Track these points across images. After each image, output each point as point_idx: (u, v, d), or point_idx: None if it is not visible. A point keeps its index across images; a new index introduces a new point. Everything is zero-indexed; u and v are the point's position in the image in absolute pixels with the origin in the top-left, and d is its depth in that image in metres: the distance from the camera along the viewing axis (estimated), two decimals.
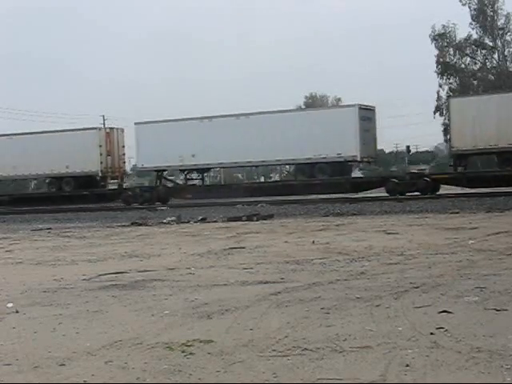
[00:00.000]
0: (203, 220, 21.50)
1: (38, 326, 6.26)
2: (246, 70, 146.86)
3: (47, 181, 37.31)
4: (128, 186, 36.94)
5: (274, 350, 4.97)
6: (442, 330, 5.32)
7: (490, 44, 51.07)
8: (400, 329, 5.43)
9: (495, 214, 18.89)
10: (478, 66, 51.72)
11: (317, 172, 30.35)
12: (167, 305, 6.98)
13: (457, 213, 19.67)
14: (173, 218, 22.01)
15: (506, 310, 5.99)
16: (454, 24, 50.58)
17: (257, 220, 20.49)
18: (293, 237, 14.23)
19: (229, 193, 31.73)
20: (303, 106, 69.98)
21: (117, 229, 19.98)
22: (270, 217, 21.59)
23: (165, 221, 21.69)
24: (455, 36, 51.14)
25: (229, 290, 7.78)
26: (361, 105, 30.79)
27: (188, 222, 21.35)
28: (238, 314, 6.30)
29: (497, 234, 12.84)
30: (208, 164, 33.08)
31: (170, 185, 34.84)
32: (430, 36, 51.11)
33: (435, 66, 51.17)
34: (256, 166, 36.14)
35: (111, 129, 35.65)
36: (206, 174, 39.35)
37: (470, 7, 50.98)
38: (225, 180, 59.60)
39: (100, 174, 34.38)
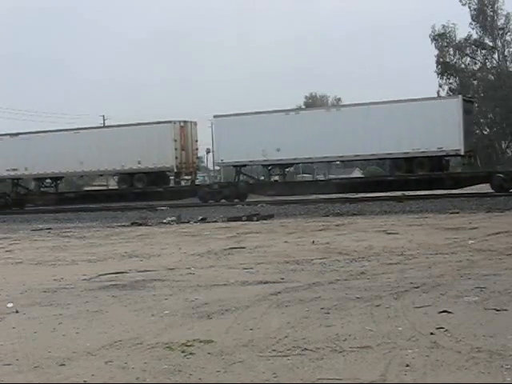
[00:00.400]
0: (203, 220, 21.50)
1: (38, 326, 6.26)
2: (246, 70, 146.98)
3: (117, 177, 35.67)
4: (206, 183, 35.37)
5: (274, 350, 4.97)
6: (442, 330, 5.32)
7: (490, 44, 51.03)
8: (400, 329, 5.43)
9: (495, 213, 18.88)
10: (477, 66, 51.69)
11: (416, 167, 28.43)
12: (167, 305, 6.98)
13: (457, 213, 19.66)
14: (173, 218, 22.01)
15: (506, 310, 5.99)
16: (453, 24, 50.60)
17: (257, 220, 20.49)
18: (293, 237, 14.23)
19: (317, 189, 30.26)
20: (303, 106, 69.92)
21: (117, 229, 19.98)
22: (270, 217, 21.59)
23: (165, 221, 21.69)
24: (455, 36, 51.15)
25: (229, 290, 7.78)
26: (464, 96, 29.53)
27: (188, 222, 21.34)
28: (237, 314, 6.30)
29: (497, 234, 12.84)
30: (294, 159, 31.20)
31: (251, 181, 32.91)
32: (429, 36, 51.13)
33: (435, 66, 51.20)
34: (350, 161, 34.59)
35: (185, 122, 33.51)
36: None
37: (469, 7, 50.98)
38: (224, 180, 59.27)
39: (175, 170, 32.63)
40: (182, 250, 12.57)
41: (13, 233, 20.32)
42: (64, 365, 4.89)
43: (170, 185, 34.06)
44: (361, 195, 28.82)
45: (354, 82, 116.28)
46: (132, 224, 21.36)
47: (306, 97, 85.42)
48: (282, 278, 8.39)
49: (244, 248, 12.23)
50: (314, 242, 12.71)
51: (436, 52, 51.23)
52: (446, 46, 51.18)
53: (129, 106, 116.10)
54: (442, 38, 50.86)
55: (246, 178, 32.86)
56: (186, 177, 34.37)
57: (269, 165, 32.05)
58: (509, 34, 50.83)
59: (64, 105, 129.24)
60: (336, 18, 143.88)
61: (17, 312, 7.00)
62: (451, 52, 51.55)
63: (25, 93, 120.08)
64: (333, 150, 29.41)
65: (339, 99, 79.02)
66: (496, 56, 51.41)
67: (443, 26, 50.74)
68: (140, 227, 20.13)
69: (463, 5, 50.99)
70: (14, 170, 34.86)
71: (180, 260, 10.96)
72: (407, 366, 4.44)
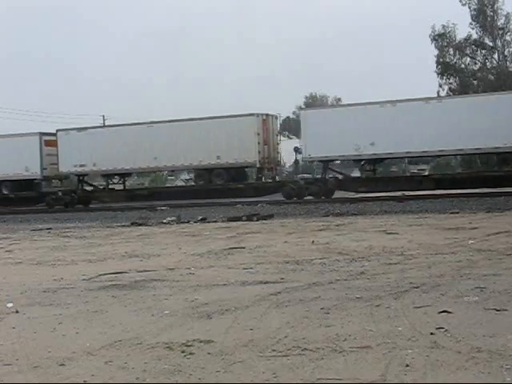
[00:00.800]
0: (203, 220, 21.50)
1: (38, 326, 6.26)
2: (247, 70, 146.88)
3: (193, 173, 33.93)
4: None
5: (274, 350, 4.97)
6: (442, 329, 5.33)
7: (490, 44, 51.04)
8: (400, 329, 5.43)
9: (495, 213, 18.89)
10: (477, 66, 51.70)
11: None
12: (167, 305, 6.98)
13: (457, 213, 19.67)
14: (173, 218, 22.01)
15: (506, 310, 5.99)
16: (453, 24, 50.61)
17: (257, 220, 20.49)
18: (293, 237, 14.23)
19: (414, 185, 28.31)
20: (303, 106, 69.94)
21: (117, 229, 19.98)
22: (270, 217, 21.60)
23: (165, 221, 21.69)
24: (455, 36, 51.15)
25: (229, 290, 7.78)
26: None
27: (188, 222, 21.34)
28: (237, 314, 6.30)
29: (497, 234, 12.84)
30: (389, 153, 29.08)
31: (340, 177, 30.92)
32: (429, 36, 51.13)
33: (435, 66, 51.23)
34: (450, 155, 32.73)
35: (267, 115, 31.72)
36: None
37: (469, 7, 50.98)
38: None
39: (258, 165, 30.73)
40: (181, 249, 12.57)
41: (13, 233, 20.32)
42: (64, 365, 4.89)
43: (249, 181, 32.48)
44: (361, 195, 28.82)
45: (354, 81, 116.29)
46: (132, 224, 21.36)
47: (306, 97, 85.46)
48: (282, 278, 8.39)
49: (244, 248, 12.23)
50: (313, 242, 12.70)
51: (436, 52, 51.29)
52: (445, 46, 51.20)
53: (129, 106, 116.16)
54: (441, 38, 50.87)
55: (335, 174, 30.93)
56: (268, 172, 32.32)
57: (361, 160, 30.23)
58: (509, 33, 50.86)
59: (64, 105, 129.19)
60: (336, 17, 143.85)
61: (17, 312, 7.00)
62: (451, 52, 51.57)
63: (25, 93, 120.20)
64: (432, 144, 27.60)
65: (339, 99, 79.00)
66: (496, 56, 51.43)
67: (443, 26, 50.78)
68: (140, 227, 20.13)
69: (463, 5, 51.03)
70: (82, 165, 32.99)
71: (180, 260, 10.96)
72: (407, 366, 4.44)
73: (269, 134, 31.31)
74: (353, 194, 29.12)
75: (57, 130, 34.11)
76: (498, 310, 5.96)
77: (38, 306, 7.31)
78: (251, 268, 9.51)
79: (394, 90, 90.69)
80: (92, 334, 5.84)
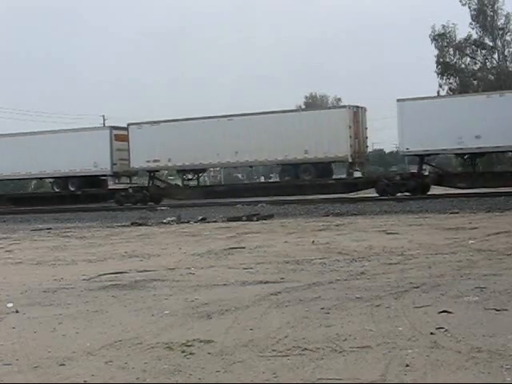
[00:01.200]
0: (203, 220, 21.50)
1: (38, 326, 6.26)
2: (246, 69, 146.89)
3: (277, 168, 31.98)
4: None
5: (274, 350, 4.97)
6: (442, 329, 5.32)
7: (490, 44, 51.08)
8: (400, 329, 5.43)
9: (495, 213, 18.89)
10: (478, 66, 51.74)
11: None
12: (167, 305, 6.98)
13: (457, 213, 19.68)
14: (173, 218, 22.01)
15: (506, 309, 5.99)
16: (453, 24, 50.68)
17: (257, 220, 20.49)
18: (293, 237, 14.23)
19: None
20: (303, 106, 69.97)
21: (117, 229, 19.98)
22: (270, 217, 21.59)
23: (165, 221, 21.69)
24: (455, 36, 51.21)
25: (229, 289, 7.77)
26: None
27: (188, 222, 21.34)
28: (237, 314, 6.30)
29: (497, 234, 12.84)
30: (497, 147, 27.23)
31: (440, 172, 29.34)
32: (429, 36, 51.20)
33: (435, 66, 51.25)
34: None
35: (357, 107, 30.17)
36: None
37: (469, 7, 51.05)
38: (224, 180, 59.08)
39: (349, 160, 29.14)
40: (182, 249, 12.56)
41: (13, 233, 20.32)
42: (64, 365, 4.88)
43: (334, 177, 31.25)
44: (361, 195, 28.79)
45: (354, 81, 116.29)
46: (132, 224, 21.36)
47: (306, 97, 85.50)
48: (282, 278, 8.39)
49: (244, 248, 12.23)
50: (313, 241, 12.70)
51: (436, 52, 51.31)
52: (446, 46, 51.23)
53: (129, 106, 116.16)
54: (441, 38, 50.91)
55: (434, 169, 29.66)
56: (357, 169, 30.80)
57: (464, 154, 28.87)
58: (509, 34, 50.92)
59: (64, 105, 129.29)
60: (336, 17, 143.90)
61: (17, 312, 6.99)
62: (451, 52, 51.60)
63: (25, 93, 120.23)
64: None
65: (339, 99, 79.03)
66: (496, 56, 51.48)
67: (443, 26, 50.84)
68: (140, 227, 20.13)
69: (463, 5, 51.10)
70: (156, 161, 31.53)
71: (180, 260, 10.96)
72: (407, 366, 4.44)
73: (359, 127, 29.75)
74: (351, 195, 28.88)
75: (128, 124, 32.66)
76: (498, 310, 5.96)
77: (38, 306, 7.31)
78: (251, 268, 9.51)
79: (394, 90, 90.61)
80: (92, 333, 5.84)
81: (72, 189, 33.59)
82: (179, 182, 35.03)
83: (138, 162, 31.83)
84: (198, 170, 33.11)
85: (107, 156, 32.45)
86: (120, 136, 32.64)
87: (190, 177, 33.42)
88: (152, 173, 33.11)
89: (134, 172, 33.72)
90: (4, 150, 34.29)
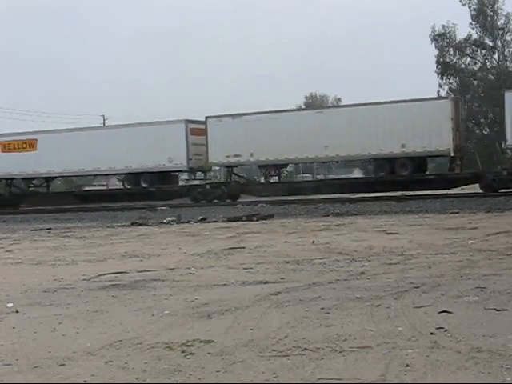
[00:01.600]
0: (203, 220, 21.50)
1: (38, 326, 6.25)
2: (246, 69, 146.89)
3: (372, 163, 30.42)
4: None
5: (274, 350, 4.97)
6: (442, 329, 5.32)
7: (490, 44, 51.12)
8: (400, 329, 5.43)
9: (495, 213, 18.90)
10: (478, 66, 51.78)
11: None
12: (167, 305, 6.98)
13: (457, 213, 19.68)
14: (173, 218, 22.02)
15: (506, 309, 5.99)
16: (453, 24, 50.75)
17: (257, 220, 20.49)
18: (293, 237, 14.23)
19: None
20: (303, 106, 69.88)
21: (117, 229, 19.98)
22: (270, 217, 21.59)
23: (165, 221, 21.69)
24: (455, 36, 51.27)
25: (229, 290, 7.77)
26: None
27: (188, 222, 21.35)
28: (237, 314, 6.30)
29: (497, 234, 12.84)
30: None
31: None
32: (429, 36, 51.27)
33: (435, 66, 51.28)
34: None
35: (457, 98, 29.03)
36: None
37: (469, 7, 51.11)
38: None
39: (452, 154, 27.36)
40: (182, 249, 12.56)
41: (13, 233, 20.31)
42: (64, 365, 4.88)
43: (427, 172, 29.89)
44: (361, 195, 28.78)
45: (354, 81, 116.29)
46: (132, 224, 21.36)
47: (306, 97, 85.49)
48: (282, 278, 8.39)
49: (244, 248, 12.23)
50: (313, 241, 12.70)
51: (436, 52, 51.34)
52: (446, 46, 51.27)
53: (129, 106, 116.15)
54: (442, 38, 50.96)
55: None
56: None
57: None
58: (509, 33, 50.96)
59: (64, 105, 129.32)
60: (336, 17, 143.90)
61: (17, 312, 6.99)
62: (451, 52, 51.63)
63: (25, 93, 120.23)
64: None
65: (339, 99, 79.06)
66: (496, 56, 51.51)
67: (443, 26, 50.90)
68: (140, 227, 20.13)
69: (463, 5, 51.15)
70: (237, 156, 29.92)
71: (180, 260, 10.96)
72: (407, 366, 4.44)
73: (458, 120, 28.21)
74: (351, 195, 28.82)
75: (206, 117, 30.95)
76: (498, 310, 5.96)
77: (38, 306, 7.30)
78: (251, 268, 9.51)
79: (394, 90, 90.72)
80: (92, 333, 5.84)
81: (144, 185, 31.94)
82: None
83: (216, 156, 30.29)
84: (280, 166, 31.66)
85: (183, 151, 30.83)
86: (195, 130, 31.19)
87: (272, 173, 31.74)
88: (230, 168, 31.48)
89: (209, 167, 32.19)
90: (69, 145, 32.35)
